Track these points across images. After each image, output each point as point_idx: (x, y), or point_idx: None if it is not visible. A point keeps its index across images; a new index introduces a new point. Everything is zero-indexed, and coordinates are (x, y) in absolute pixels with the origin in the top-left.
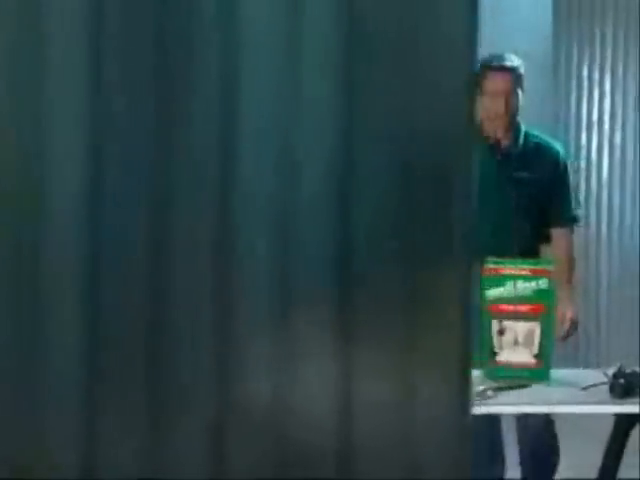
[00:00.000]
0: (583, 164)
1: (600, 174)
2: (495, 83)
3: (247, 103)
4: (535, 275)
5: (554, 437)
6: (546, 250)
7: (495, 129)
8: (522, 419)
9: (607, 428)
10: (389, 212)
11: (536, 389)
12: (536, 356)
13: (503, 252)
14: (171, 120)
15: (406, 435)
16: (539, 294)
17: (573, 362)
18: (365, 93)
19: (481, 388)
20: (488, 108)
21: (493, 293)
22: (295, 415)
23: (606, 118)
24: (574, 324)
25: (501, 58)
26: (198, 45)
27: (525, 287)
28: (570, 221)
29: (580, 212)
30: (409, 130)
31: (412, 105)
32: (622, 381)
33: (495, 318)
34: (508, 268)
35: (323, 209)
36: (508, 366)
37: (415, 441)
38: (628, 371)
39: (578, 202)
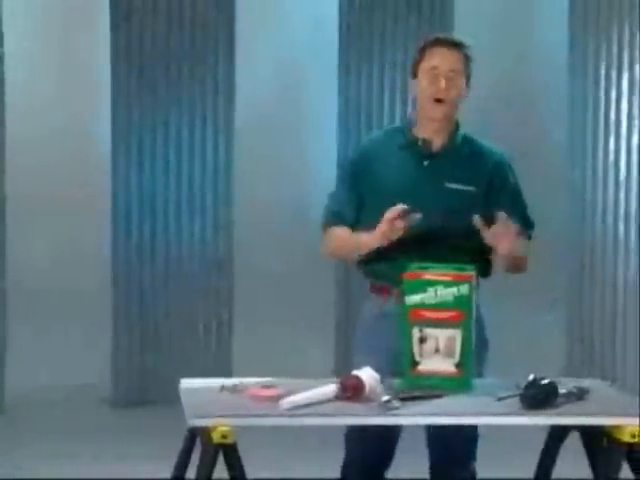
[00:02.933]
0: (600, 165)
1: (617, 175)
2: (436, 58)
3: None
4: (456, 281)
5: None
6: None
7: (428, 125)
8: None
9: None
10: None
11: (449, 400)
12: (457, 365)
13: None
14: None
15: None
16: (460, 300)
17: (589, 367)
18: None
19: (385, 398)
20: (424, 88)
21: (414, 299)
22: None
23: (623, 119)
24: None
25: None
26: None
27: (446, 293)
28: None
29: (531, 232)
30: None
31: None
32: (532, 392)
33: (416, 325)
34: (430, 273)
35: None
36: (429, 375)
37: None
38: (544, 382)
39: (530, 221)
